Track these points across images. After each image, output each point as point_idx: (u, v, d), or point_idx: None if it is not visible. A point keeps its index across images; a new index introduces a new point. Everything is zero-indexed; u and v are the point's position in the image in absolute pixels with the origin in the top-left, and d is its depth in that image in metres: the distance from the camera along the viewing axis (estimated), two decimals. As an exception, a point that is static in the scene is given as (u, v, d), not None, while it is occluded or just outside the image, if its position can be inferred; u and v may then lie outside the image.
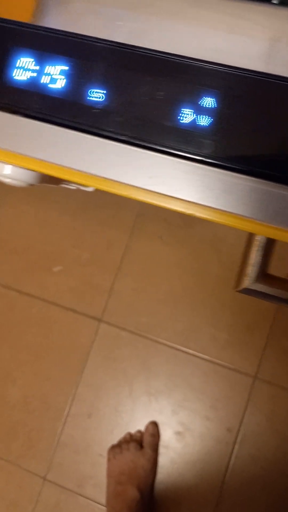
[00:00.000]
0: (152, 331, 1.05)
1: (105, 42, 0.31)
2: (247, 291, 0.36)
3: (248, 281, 0.35)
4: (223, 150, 0.29)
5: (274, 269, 0.37)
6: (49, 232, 1.14)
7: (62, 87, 0.32)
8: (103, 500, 0.99)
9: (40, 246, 1.14)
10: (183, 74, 0.30)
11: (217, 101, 0.30)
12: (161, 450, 1.00)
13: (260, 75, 0.29)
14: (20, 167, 0.35)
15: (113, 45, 0.31)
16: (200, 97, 0.30)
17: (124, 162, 0.31)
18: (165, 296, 1.05)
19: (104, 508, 0.99)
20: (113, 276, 1.09)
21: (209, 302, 1.04)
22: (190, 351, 1.02)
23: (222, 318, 1.02)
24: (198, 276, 1.05)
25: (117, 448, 1.00)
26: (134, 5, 0.35)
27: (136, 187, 0.31)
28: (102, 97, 0.31)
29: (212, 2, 0.35)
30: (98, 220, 1.12)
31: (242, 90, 0.29)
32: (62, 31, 0.32)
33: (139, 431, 1.01)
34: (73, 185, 0.47)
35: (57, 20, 0.35)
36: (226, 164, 0.30)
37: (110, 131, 0.32)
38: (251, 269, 0.35)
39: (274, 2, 0.41)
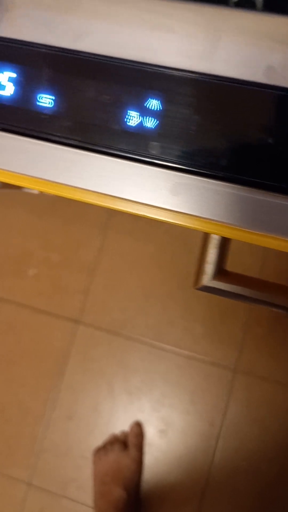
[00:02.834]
0: (126, 328, 1.05)
1: (48, 48, 0.31)
2: (206, 289, 0.36)
3: (206, 279, 0.36)
4: (169, 150, 0.30)
5: (231, 265, 0.38)
6: (16, 234, 1.13)
7: (10, 94, 0.31)
8: (87, 501, 0.99)
9: (7, 249, 1.12)
10: (126, 77, 0.30)
11: (162, 103, 0.30)
12: (145, 448, 1.00)
13: (202, 76, 0.29)
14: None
15: (56, 51, 0.31)
16: (144, 99, 0.30)
17: (74, 166, 0.31)
18: (137, 291, 1.06)
19: (89, 509, 0.99)
20: (85, 276, 1.08)
21: (180, 294, 1.04)
22: (164, 346, 1.03)
23: (194, 310, 1.03)
24: (168, 269, 1.05)
25: (102, 449, 1.00)
26: (74, 9, 0.35)
27: (86, 189, 0.31)
28: (51, 103, 0.31)
29: (149, 2, 0.35)
30: (66, 219, 1.11)
31: (185, 91, 0.29)
32: (6, 38, 0.32)
33: (123, 432, 1.01)
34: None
35: (2, 28, 0.35)
36: (174, 165, 0.30)
37: (59, 136, 0.32)
38: (208, 267, 0.36)
39: (234, 4, 0.41)
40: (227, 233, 0.29)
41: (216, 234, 0.31)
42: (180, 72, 0.30)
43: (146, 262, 1.07)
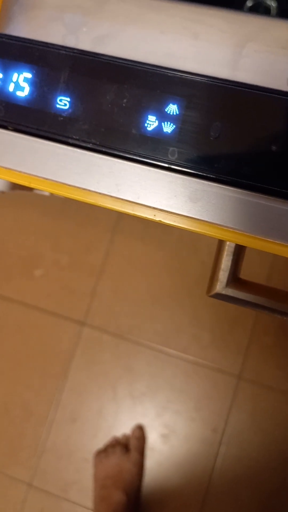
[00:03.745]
0: (133, 332, 1.04)
1: (68, 50, 0.31)
2: (219, 296, 0.36)
3: (219, 286, 0.35)
4: (189, 156, 0.29)
5: (246, 274, 0.37)
6: (27, 235, 1.13)
7: (27, 95, 0.31)
8: (88, 504, 0.99)
9: (18, 250, 1.13)
10: (147, 81, 0.30)
11: (182, 108, 0.30)
12: (147, 452, 1.00)
13: (225, 83, 0.29)
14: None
15: (77, 53, 0.31)
16: (164, 104, 0.30)
17: (91, 169, 0.31)
18: (146, 297, 1.05)
19: (89, 511, 0.99)
20: (94, 279, 1.08)
21: (189, 301, 1.04)
22: (171, 352, 1.02)
23: (203, 317, 1.03)
24: (178, 275, 1.05)
25: (103, 452, 0.99)
26: (98, 12, 0.35)
27: (103, 194, 0.31)
28: (69, 105, 0.31)
29: (173, 7, 0.35)
30: (77, 222, 1.11)
31: (207, 97, 0.29)
32: (27, 39, 0.32)
33: (125, 435, 1.01)
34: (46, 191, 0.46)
35: (22, 28, 0.35)
36: (192, 171, 0.30)
37: (76, 139, 0.31)
38: (223, 274, 0.35)
39: (249, 9, 0.41)
40: (246, 242, 0.29)
41: (235, 243, 0.30)
42: (202, 78, 0.29)
43: (155, 268, 1.06)
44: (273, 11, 0.39)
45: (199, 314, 1.03)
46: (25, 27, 0.35)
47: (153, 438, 1.00)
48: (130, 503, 0.93)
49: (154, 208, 0.30)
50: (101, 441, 1.02)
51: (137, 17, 0.35)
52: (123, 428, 1.02)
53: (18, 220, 1.14)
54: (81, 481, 1.01)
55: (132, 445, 0.99)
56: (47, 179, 0.32)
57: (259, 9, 0.49)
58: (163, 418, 1.01)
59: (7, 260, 1.13)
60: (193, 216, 0.30)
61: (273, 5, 0.45)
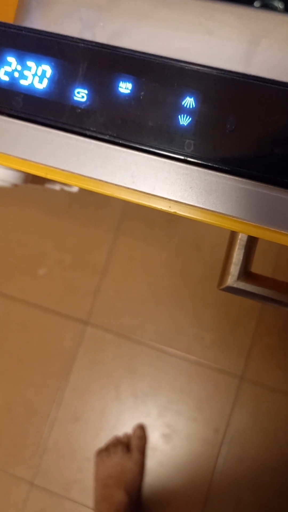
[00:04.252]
0: (135, 332, 1.05)
1: (87, 43, 0.32)
2: (230, 289, 0.36)
3: (231, 280, 0.36)
4: (205, 149, 0.30)
5: (257, 268, 0.38)
6: (31, 234, 1.13)
7: (45, 87, 0.32)
8: (89, 503, 0.99)
9: (21, 249, 1.13)
10: (164, 75, 0.30)
11: (196, 101, 0.30)
12: (149, 452, 1.00)
13: (241, 76, 0.29)
14: (4, 168, 0.35)
15: (96, 46, 0.31)
16: (181, 97, 0.30)
17: (107, 161, 0.32)
18: (148, 297, 1.06)
19: (91, 511, 0.98)
20: (97, 278, 1.08)
21: (192, 301, 1.04)
22: (174, 352, 1.03)
23: (206, 317, 1.03)
24: (181, 275, 1.05)
25: (104, 451, 0.99)
26: (113, 7, 0.36)
27: (119, 185, 0.32)
28: (84, 97, 0.32)
29: (186, 3, 0.36)
30: (81, 221, 1.12)
31: (223, 90, 0.30)
32: (45, 31, 0.32)
33: (127, 434, 1.01)
34: (57, 185, 0.47)
35: (40, 20, 0.35)
36: (208, 163, 0.30)
37: (93, 131, 0.32)
38: (234, 268, 0.36)
39: (255, 5, 0.41)
40: (261, 234, 0.29)
41: (249, 235, 0.31)
42: (218, 71, 0.30)
43: (158, 268, 1.07)
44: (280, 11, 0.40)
45: (201, 314, 1.03)
46: (42, 21, 0.36)
47: (155, 438, 1.00)
48: (131, 502, 0.93)
49: (169, 199, 0.31)
50: (103, 441, 1.02)
51: (152, 13, 0.36)
52: (125, 427, 1.02)
53: (22, 218, 1.15)
54: (82, 480, 1.01)
55: (134, 445, 0.99)
56: (63, 170, 0.32)
57: (267, 8, 0.49)
58: (165, 418, 1.01)
59: (10, 259, 1.13)
60: (208, 208, 0.30)
61: (280, 6, 0.46)
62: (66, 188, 0.45)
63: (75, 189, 0.57)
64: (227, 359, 1.01)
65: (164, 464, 0.99)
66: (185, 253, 1.06)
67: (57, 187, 0.49)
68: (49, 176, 0.32)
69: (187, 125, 0.30)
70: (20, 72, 0.32)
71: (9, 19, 0.35)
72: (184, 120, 0.30)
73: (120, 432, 1.02)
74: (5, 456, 1.05)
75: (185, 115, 0.30)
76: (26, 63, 0.32)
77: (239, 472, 0.97)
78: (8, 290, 1.11)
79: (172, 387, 1.02)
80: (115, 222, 1.10)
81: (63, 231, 1.12)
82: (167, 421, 1.01)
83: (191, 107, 0.30)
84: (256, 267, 0.38)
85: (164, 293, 1.06)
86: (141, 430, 1.00)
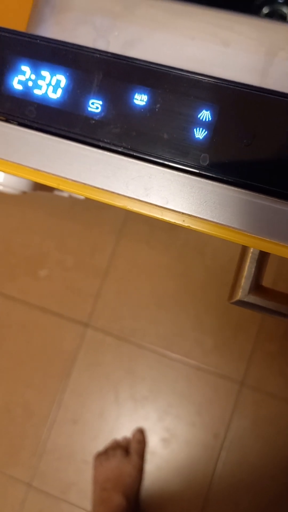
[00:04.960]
0: (136, 335, 1.04)
1: (103, 53, 0.31)
2: (241, 303, 0.36)
3: (241, 293, 0.35)
4: (220, 163, 0.29)
5: (269, 282, 0.37)
6: (33, 235, 1.13)
7: (59, 97, 0.31)
8: (87, 506, 0.99)
9: (23, 250, 1.13)
10: (181, 87, 0.30)
11: (213, 115, 0.30)
12: (147, 456, 0.99)
13: (259, 90, 0.29)
14: (14, 176, 0.35)
15: (111, 57, 0.31)
16: (196, 110, 0.30)
17: (120, 173, 0.31)
18: (149, 300, 1.05)
19: (89, 514, 0.98)
20: (98, 281, 1.08)
21: (193, 305, 1.04)
22: (174, 355, 1.02)
23: (207, 321, 1.03)
24: (183, 279, 1.05)
25: (103, 455, 0.99)
26: (128, 16, 0.35)
27: (132, 198, 0.31)
28: (99, 108, 0.31)
29: (204, 14, 0.35)
30: (83, 223, 1.11)
31: (239, 104, 0.29)
32: (59, 40, 0.32)
33: (126, 438, 1.01)
34: (65, 192, 0.46)
35: (53, 28, 0.35)
36: (223, 177, 0.30)
37: (107, 142, 0.31)
38: (245, 282, 0.35)
39: (265, 15, 0.41)
40: (276, 250, 0.29)
41: (265, 250, 0.30)
42: (235, 85, 0.30)
43: (160, 271, 1.06)
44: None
45: (202, 319, 1.03)
46: (55, 29, 0.35)
47: (154, 442, 1.00)
48: (129, 506, 0.92)
49: (183, 213, 0.30)
50: (102, 444, 1.02)
51: (166, 23, 0.35)
52: (124, 431, 1.02)
53: (24, 219, 1.14)
54: (80, 483, 1.01)
55: (133, 448, 0.98)
56: (75, 181, 0.32)
57: (274, 16, 0.49)
58: (164, 422, 1.01)
59: (12, 260, 1.12)
60: (222, 223, 0.30)
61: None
62: (74, 195, 0.44)
63: (82, 197, 0.57)
64: (227, 364, 1.01)
65: (163, 468, 0.99)
66: (187, 257, 1.06)
67: (65, 194, 0.49)
68: (61, 187, 0.32)
69: (202, 138, 0.30)
70: (34, 82, 0.31)
71: (22, 27, 0.34)
72: (200, 134, 0.30)
73: (119, 435, 1.02)
74: (3, 457, 1.05)
75: (201, 128, 0.30)
76: (40, 73, 0.31)
77: (238, 476, 0.97)
78: (9, 290, 1.11)
79: (172, 391, 1.01)
80: (118, 224, 1.10)
81: (65, 233, 1.11)
82: (166, 425, 1.00)
83: (207, 120, 0.30)
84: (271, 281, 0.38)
85: (166, 297, 1.05)
86: (141, 434, 1.00)
